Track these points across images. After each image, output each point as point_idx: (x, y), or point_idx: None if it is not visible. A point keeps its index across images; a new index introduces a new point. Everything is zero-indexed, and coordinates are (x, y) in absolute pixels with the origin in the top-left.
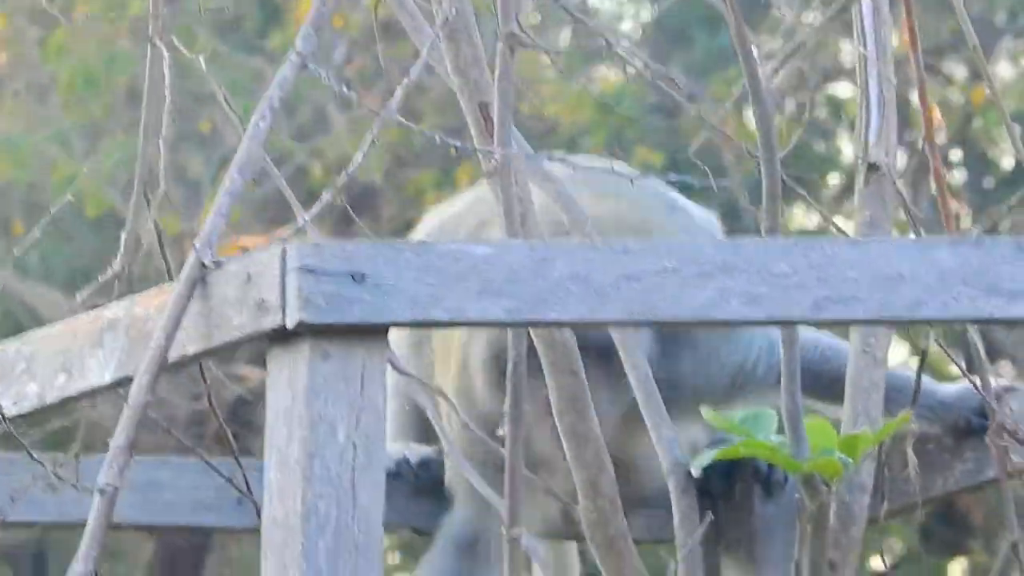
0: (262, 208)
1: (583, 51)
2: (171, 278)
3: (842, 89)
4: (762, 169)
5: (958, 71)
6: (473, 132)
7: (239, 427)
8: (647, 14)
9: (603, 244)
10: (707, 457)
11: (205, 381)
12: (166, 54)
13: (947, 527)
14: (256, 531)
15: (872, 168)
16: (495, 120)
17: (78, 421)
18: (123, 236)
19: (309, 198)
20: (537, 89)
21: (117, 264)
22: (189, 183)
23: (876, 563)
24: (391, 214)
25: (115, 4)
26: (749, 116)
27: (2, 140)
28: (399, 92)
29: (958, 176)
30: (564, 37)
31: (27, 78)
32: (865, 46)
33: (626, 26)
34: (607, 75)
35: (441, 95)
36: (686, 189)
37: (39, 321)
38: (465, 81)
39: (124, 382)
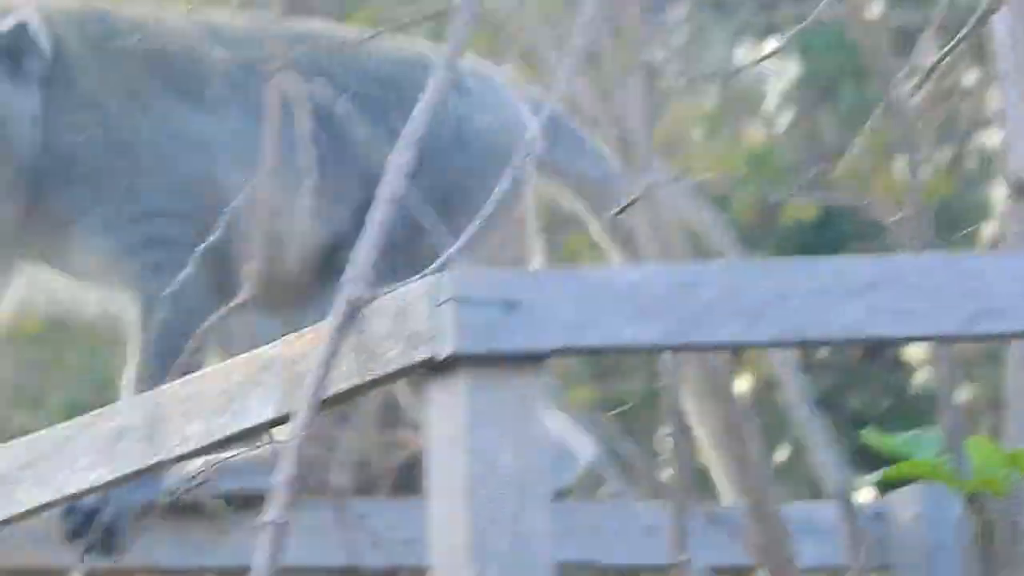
0: None
1: (730, 108)
2: None
3: (993, 138)
4: (912, 215)
5: None
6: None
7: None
8: (794, 68)
9: (752, 264)
10: (872, 478)
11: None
12: None
13: None
14: None
15: (1019, 187)
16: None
17: None
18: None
19: None
20: (685, 147)
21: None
22: None
23: None
24: None
25: None
26: (898, 167)
27: None
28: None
29: None
30: (711, 95)
31: None
32: (1002, 64)
33: (773, 82)
34: (755, 133)
35: None
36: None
37: None
38: (605, 109)
39: (283, 420)
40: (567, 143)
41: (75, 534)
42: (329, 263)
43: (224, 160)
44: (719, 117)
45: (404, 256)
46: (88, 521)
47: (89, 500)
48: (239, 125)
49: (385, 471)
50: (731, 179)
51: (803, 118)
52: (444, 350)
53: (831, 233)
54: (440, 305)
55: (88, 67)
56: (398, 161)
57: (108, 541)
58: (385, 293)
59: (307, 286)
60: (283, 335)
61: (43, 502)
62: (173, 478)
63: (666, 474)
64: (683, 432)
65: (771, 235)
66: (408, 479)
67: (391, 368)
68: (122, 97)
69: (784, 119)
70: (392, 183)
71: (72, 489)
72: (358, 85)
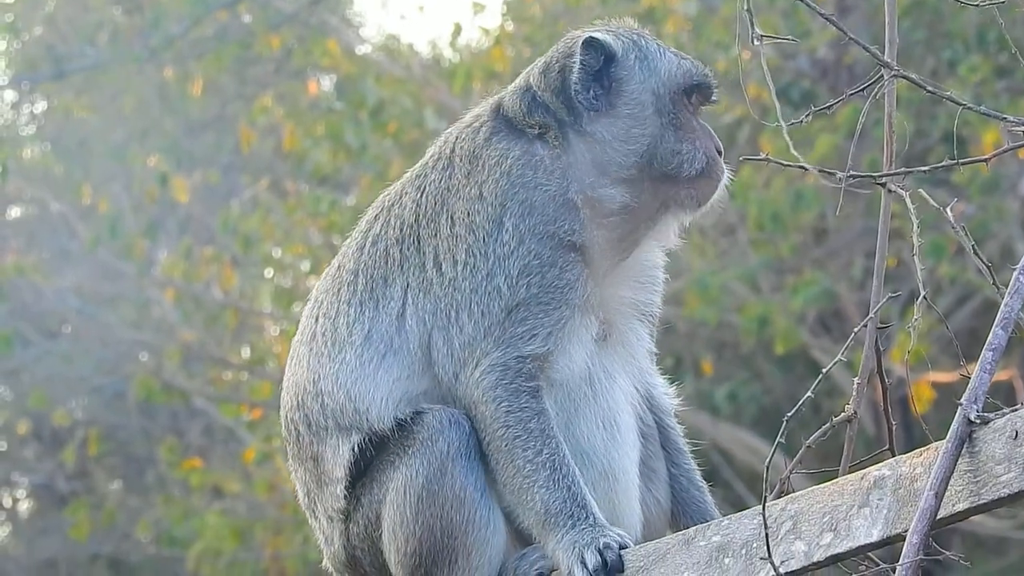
0: (948, 343)
1: None
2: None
3: None
4: None
5: None
6: None
7: None
8: None
9: None
10: None
11: None
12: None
13: None
14: None
15: None
16: None
17: None
18: (855, 382)
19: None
20: None
21: (850, 408)
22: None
23: None
24: None
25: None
26: None
27: (692, 279)
28: None
29: None
30: None
31: (716, 217)
32: None
33: None
34: None
35: None
36: None
37: (730, 461)
38: None
39: (892, 540)
40: None
41: None
42: None
43: None
44: None
45: None
46: None
47: None
48: None
49: None
50: None
51: None
52: None
53: None
54: None
55: None
56: (1021, 284)
57: None
58: (1001, 415)
59: None
60: None
61: None
62: None
63: None
64: None
65: None
66: None
67: (1003, 492)
68: None
69: None
70: (1010, 307)
71: None
72: None
